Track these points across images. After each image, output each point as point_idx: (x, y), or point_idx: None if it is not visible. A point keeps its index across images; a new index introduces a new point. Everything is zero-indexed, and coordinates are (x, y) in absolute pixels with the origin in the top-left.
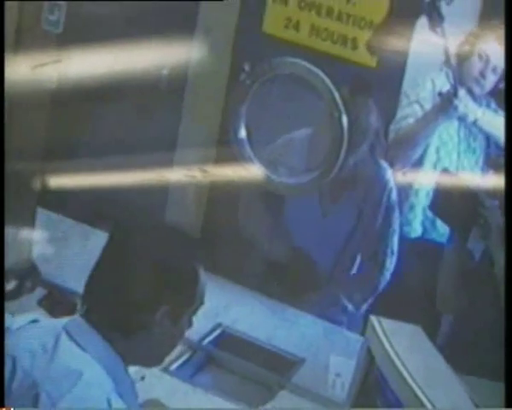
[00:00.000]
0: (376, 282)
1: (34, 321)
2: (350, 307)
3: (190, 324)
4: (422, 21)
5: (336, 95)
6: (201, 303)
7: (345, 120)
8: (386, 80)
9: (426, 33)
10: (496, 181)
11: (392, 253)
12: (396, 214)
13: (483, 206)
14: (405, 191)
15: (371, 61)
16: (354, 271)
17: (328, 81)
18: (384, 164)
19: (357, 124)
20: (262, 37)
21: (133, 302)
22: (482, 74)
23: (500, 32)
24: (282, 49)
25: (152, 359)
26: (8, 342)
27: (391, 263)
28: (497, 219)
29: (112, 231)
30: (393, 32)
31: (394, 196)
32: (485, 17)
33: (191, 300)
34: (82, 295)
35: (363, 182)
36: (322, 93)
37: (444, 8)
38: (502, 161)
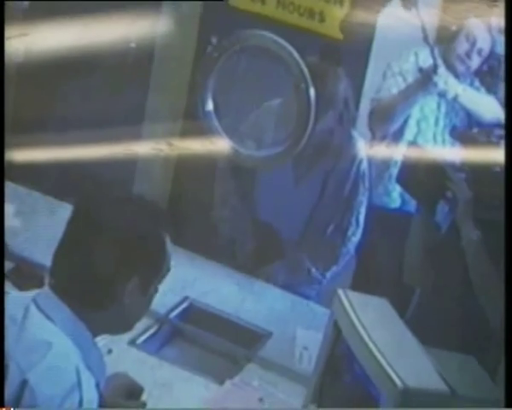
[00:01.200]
0: (339, 252)
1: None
2: (314, 270)
3: (156, 290)
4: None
5: (303, 67)
6: (168, 270)
7: (312, 92)
8: (354, 53)
9: (398, 10)
10: (463, 154)
11: (358, 223)
12: (365, 185)
13: (450, 179)
14: (385, 162)
15: (338, 34)
16: (320, 239)
17: (295, 53)
18: (355, 134)
19: (325, 91)
20: (229, 10)
21: (102, 275)
22: (468, 55)
23: (488, 17)
24: (249, 22)
25: (120, 328)
26: None
27: (354, 234)
28: (464, 192)
29: (76, 203)
30: (362, 6)
31: (364, 167)
32: None
33: (159, 268)
34: (50, 267)
35: (332, 151)
36: (289, 65)
37: None
38: (469, 134)
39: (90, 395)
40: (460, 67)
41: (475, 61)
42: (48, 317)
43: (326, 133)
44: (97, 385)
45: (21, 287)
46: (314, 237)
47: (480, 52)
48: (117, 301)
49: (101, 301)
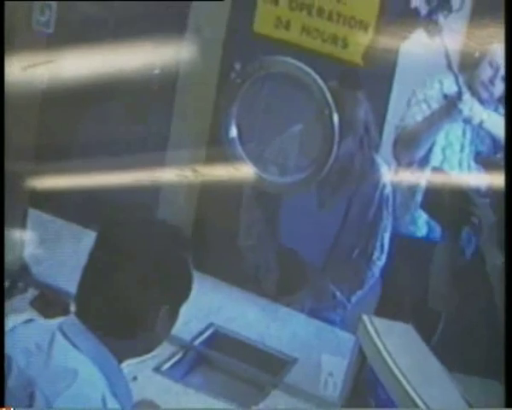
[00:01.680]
0: (364, 276)
1: (29, 321)
2: (339, 295)
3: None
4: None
5: (327, 93)
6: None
7: (336, 117)
8: (377, 79)
9: (422, 36)
10: (487, 179)
11: (382, 248)
12: (389, 210)
13: (474, 204)
14: (411, 190)
15: (361, 60)
16: (344, 264)
17: (319, 79)
18: (378, 159)
19: (344, 116)
20: (252, 36)
21: (132, 303)
22: (491, 81)
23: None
24: (272, 49)
25: (145, 352)
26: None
27: (379, 258)
28: (489, 217)
29: (100, 229)
30: (385, 32)
31: (388, 191)
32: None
33: (187, 293)
34: (75, 295)
35: (354, 176)
36: (312, 91)
37: (441, 19)
38: (493, 159)
39: None
40: (484, 94)
41: (499, 88)
42: (74, 344)
43: (347, 158)
44: None
45: (46, 315)
46: (338, 261)
47: (504, 79)
48: (148, 330)
49: (130, 329)
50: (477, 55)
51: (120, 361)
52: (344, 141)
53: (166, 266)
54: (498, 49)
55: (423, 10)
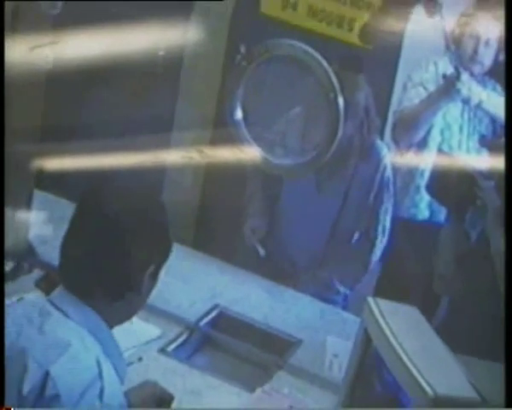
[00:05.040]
0: (367, 260)
1: (19, 299)
2: (342, 289)
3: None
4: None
5: (332, 76)
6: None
7: (341, 101)
8: (382, 62)
9: (425, 17)
10: (492, 162)
11: (384, 231)
12: (390, 193)
13: (479, 187)
14: (411, 173)
15: (366, 43)
16: (345, 249)
17: (324, 63)
18: (378, 142)
19: (345, 99)
20: (258, 18)
21: (119, 265)
22: (475, 51)
23: (488, 8)
24: (278, 31)
25: (130, 316)
26: None
27: (381, 242)
28: (494, 200)
29: (80, 198)
30: (390, 14)
31: (388, 174)
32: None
33: (167, 255)
34: (60, 265)
35: (353, 159)
36: (318, 74)
37: None
38: (497, 141)
39: (112, 386)
40: (475, 68)
41: (487, 56)
42: (65, 314)
43: (346, 141)
44: (119, 376)
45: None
46: (339, 246)
47: (487, 43)
48: (134, 291)
49: (118, 292)
50: (457, 31)
51: (110, 327)
52: (344, 124)
53: (150, 229)
54: (475, 18)
55: None
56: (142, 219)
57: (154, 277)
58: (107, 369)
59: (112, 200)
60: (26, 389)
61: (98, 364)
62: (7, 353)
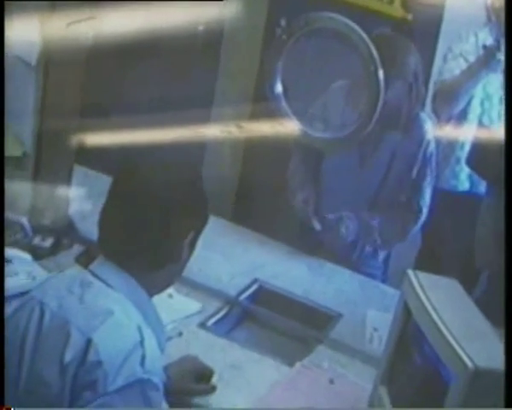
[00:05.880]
0: (407, 228)
1: (58, 273)
2: (379, 241)
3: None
4: None
5: (373, 49)
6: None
7: (381, 74)
8: (422, 34)
9: None
10: None
11: (424, 202)
12: (432, 168)
13: None
14: (451, 145)
15: (406, 16)
16: (387, 214)
17: (364, 35)
18: (423, 115)
19: (396, 61)
20: None
21: (159, 234)
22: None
23: None
24: (318, 4)
25: (171, 284)
26: (34, 294)
27: (422, 213)
28: None
29: (116, 173)
30: None
31: (432, 149)
32: None
33: (205, 221)
34: (99, 235)
35: (399, 128)
36: (358, 47)
37: None
38: None
39: (153, 354)
40: None
41: None
42: (106, 283)
43: (394, 105)
44: (159, 344)
45: None
46: (380, 215)
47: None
48: (175, 259)
49: (158, 260)
50: (498, 3)
51: (150, 295)
52: (393, 86)
53: (184, 196)
54: None
55: None
56: (180, 186)
57: (193, 244)
58: (149, 337)
59: (152, 171)
60: (68, 357)
61: (140, 331)
62: (49, 324)
